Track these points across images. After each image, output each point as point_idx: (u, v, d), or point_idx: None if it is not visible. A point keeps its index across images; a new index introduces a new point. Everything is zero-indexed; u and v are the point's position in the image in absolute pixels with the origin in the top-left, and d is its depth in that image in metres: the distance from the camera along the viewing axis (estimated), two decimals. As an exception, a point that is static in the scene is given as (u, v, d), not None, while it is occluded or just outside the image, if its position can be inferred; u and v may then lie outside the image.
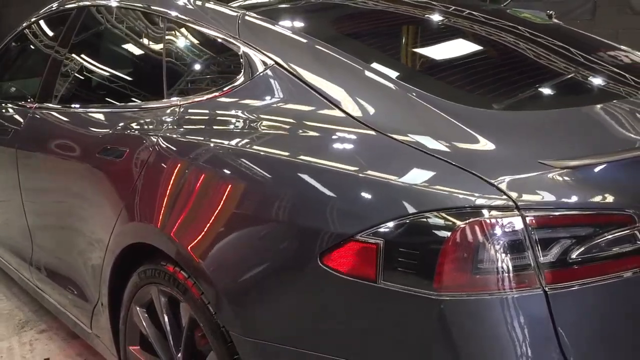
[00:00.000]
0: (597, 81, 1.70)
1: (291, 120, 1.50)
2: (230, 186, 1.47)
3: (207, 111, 1.73)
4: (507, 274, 1.11)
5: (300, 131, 1.46)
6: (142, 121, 1.92)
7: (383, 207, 1.19)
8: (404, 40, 1.89)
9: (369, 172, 1.25)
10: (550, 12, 2.43)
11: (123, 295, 1.89)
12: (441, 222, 1.13)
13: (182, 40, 2.02)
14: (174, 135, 1.70)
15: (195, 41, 1.97)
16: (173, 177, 1.63)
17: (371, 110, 1.42)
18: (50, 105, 2.43)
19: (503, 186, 1.14)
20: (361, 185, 1.25)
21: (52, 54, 2.51)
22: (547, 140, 1.33)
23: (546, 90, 1.62)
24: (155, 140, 1.73)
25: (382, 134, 1.32)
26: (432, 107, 1.37)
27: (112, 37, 2.40)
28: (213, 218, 1.47)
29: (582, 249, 1.12)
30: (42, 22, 2.81)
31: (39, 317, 3.05)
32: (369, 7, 2.12)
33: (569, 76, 1.68)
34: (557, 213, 1.14)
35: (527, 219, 1.11)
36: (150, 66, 2.11)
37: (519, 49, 1.82)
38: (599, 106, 1.49)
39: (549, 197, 1.15)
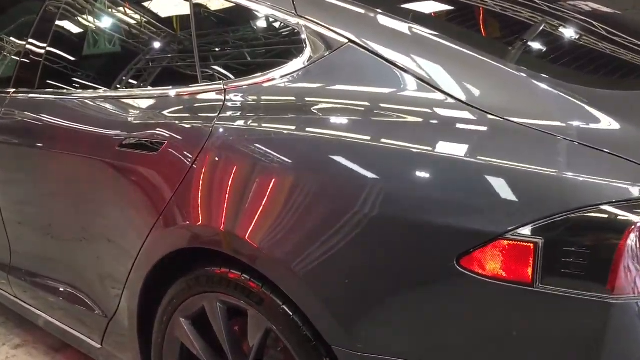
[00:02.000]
0: None
1: (387, 106, 1.34)
2: (325, 182, 1.29)
3: (268, 97, 1.53)
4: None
5: (404, 118, 1.30)
6: (176, 108, 1.69)
7: (540, 202, 1.06)
8: (499, 20, 1.75)
9: (512, 163, 1.11)
10: None
11: (157, 305, 1.68)
12: (614, 216, 1.01)
13: (218, 15, 1.80)
14: (236, 124, 1.49)
15: (236, 16, 1.75)
16: (242, 173, 1.43)
17: (482, 93, 1.28)
18: (41, 90, 2.12)
19: None
20: (507, 178, 1.10)
21: (51, 26, 2.17)
22: None
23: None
24: (207, 130, 1.51)
25: (507, 120, 1.18)
26: (554, 89, 1.25)
27: (131, 6, 2.10)
28: (307, 219, 1.29)
29: None
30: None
31: (9, 331, 2.73)
32: None
33: None
34: None
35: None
36: (178, 44, 1.87)
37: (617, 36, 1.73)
38: None
39: None
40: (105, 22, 2.14)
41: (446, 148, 1.20)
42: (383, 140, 1.27)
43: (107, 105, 1.88)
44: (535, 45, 1.56)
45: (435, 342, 1.17)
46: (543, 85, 1.26)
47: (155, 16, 1.99)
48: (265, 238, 1.34)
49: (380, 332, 1.21)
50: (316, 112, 1.41)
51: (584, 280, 1.03)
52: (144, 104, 1.78)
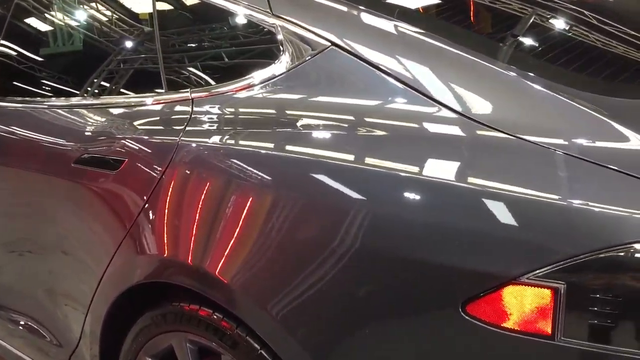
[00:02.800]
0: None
1: (375, 121, 1.16)
2: (307, 210, 1.11)
3: (240, 108, 1.35)
4: None
5: (396, 134, 1.12)
6: (139, 120, 1.50)
7: (562, 239, 0.89)
8: (497, 17, 1.57)
9: (528, 191, 0.94)
10: None
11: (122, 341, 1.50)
12: (650, 257, 0.85)
13: (184, 15, 1.61)
14: (204, 140, 1.30)
15: (204, 16, 1.56)
16: (210, 198, 1.24)
17: (484, 105, 1.11)
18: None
19: None
20: (522, 210, 0.93)
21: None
22: None
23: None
24: (172, 146, 1.33)
25: (519, 138, 1.01)
26: (564, 98, 1.08)
27: (89, 5, 1.88)
28: (286, 252, 1.11)
29: None
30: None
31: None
32: None
33: None
34: None
35: None
36: (140, 47, 1.67)
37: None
38: None
39: None
40: (61, 23, 1.93)
41: (447, 171, 1.02)
42: (372, 160, 1.08)
43: (62, 116, 1.67)
44: (539, 46, 1.38)
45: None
46: (557, 96, 1.09)
47: (115, 16, 1.79)
48: (238, 274, 1.16)
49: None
50: (295, 126, 1.23)
51: (614, 332, 0.86)
52: (102, 114, 1.58)
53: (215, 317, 1.25)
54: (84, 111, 1.63)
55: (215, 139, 1.31)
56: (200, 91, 1.42)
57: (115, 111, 1.57)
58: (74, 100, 1.68)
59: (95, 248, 1.50)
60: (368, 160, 1.09)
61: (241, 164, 1.23)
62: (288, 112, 1.29)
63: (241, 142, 1.29)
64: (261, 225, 1.15)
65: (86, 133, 1.58)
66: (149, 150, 1.39)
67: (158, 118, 1.47)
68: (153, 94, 1.51)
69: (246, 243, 1.17)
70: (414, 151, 1.08)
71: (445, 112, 1.09)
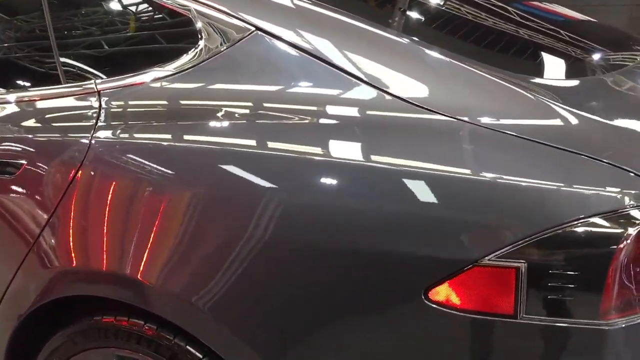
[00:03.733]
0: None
1: (312, 109, 1.10)
2: (229, 204, 1.04)
3: (155, 100, 1.24)
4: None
5: (337, 120, 1.08)
6: (35, 117, 1.33)
7: (519, 219, 0.90)
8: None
9: (482, 174, 0.94)
10: None
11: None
12: (605, 229, 0.87)
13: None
14: (117, 135, 1.18)
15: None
16: (128, 197, 1.14)
17: (427, 90, 1.09)
18: None
19: None
20: (477, 192, 0.93)
21: None
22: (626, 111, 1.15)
23: (567, 60, 1.42)
24: (83, 145, 1.19)
25: (467, 122, 1.00)
26: (500, 80, 1.09)
27: None
28: (223, 249, 1.03)
29: None
30: None
31: None
32: None
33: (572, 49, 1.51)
34: None
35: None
36: (30, 37, 1.49)
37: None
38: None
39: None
40: None
41: (400, 157, 0.99)
42: (315, 149, 1.03)
43: None
44: (476, 32, 1.40)
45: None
46: (499, 80, 1.09)
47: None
48: (164, 274, 1.08)
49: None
50: (220, 116, 1.14)
51: (574, 306, 0.89)
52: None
53: (147, 327, 1.15)
54: None
55: (131, 134, 1.19)
56: (106, 82, 1.29)
57: (5, 108, 1.40)
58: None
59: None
60: (310, 149, 1.04)
61: (161, 160, 1.13)
62: (208, 102, 1.20)
63: (153, 136, 1.18)
64: (186, 223, 1.07)
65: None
66: (54, 150, 1.25)
67: (59, 114, 1.32)
68: (49, 87, 1.35)
69: (169, 242, 1.08)
70: (358, 137, 1.04)
71: (388, 98, 1.07)
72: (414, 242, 0.93)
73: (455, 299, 0.92)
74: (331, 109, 1.10)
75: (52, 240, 1.22)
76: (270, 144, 1.08)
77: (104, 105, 1.25)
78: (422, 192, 0.95)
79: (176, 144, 1.14)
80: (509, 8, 1.61)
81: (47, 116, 1.33)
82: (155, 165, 1.13)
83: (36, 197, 1.25)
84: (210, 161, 1.10)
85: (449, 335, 0.94)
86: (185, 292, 1.08)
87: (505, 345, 0.92)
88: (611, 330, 0.88)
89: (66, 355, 1.28)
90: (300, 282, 1.01)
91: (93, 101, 1.27)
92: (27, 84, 1.44)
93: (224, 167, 1.08)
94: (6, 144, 1.32)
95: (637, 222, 0.88)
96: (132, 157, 1.16)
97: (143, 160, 1.14)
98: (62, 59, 1.36)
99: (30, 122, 1.34)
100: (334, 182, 1.00)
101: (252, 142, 1.09)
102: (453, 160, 0.97)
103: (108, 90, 1.27)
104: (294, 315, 1.02)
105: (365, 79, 1.09)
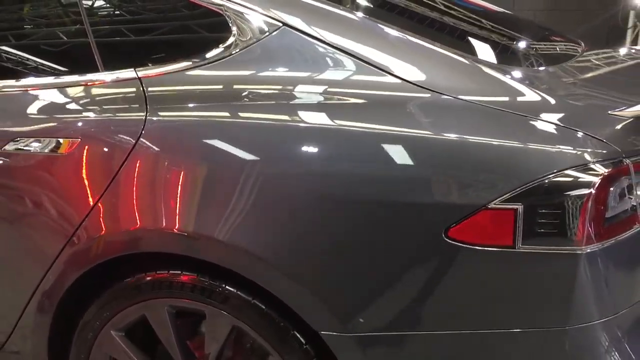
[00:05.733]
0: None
1: (345, 90, 1.34)
2: (294, 169, 1.27)
3: (196, 86, 1.44)
4: (626, 216, 1.22)
5: (363, 101, 1.32)
6: (82, 100, 1.50)
7: (515, 172, 1.18)
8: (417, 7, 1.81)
9: (484, 139, 1.21)
10: None
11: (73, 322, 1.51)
12: (576, 178, 1.17)
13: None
14: (170, 115, 1.38)
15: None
16: (190, 167, 1.34)
17: (427, 75, 1.36)
18: None
19: (606, 139, 1.23)
20: (483, 154, 1.20)
21: None
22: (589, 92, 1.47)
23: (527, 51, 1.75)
24: (138, 124, 1.37)
25: (462, 99, 1.28)
26: (483, 66, 1.39)
27: None
28: (278, 206, 1.26)
29: None
30: None
31: None
32: None
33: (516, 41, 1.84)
34: None
35: (631, 166, 1.23)
36: (71, 27, 1.63)
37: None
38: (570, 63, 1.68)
39: (638, 143, 1.28)
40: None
41: (419, 129, 1.26)
42: (351, 123, 1.29)
43: None
44: (461, 31, 1.69)
45: (427, 310, 1.24)
46: (481, 67, 1.39)
47: None
48: (233, 231, 1.29)
49: (371, 309, 1.25)
50: (261, 98, 1.37)
51: (557, 237, 1.18)
52: (29, 97, 1.55)
53: (201, 278, 1.36)
54: (15, 94, 1.58)
55: (180, 113, 1.40)
56: (146, 70, 1.48)
57: (46, 94, 1.55)
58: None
59: (43, 235, 1.49)
60: (345, 123, 1.29)
61: (215, 133, 1.34)
62: (249, 86, 1.42)
63: (206, 115, 1.39)
64: (250, 186, 1.28)
65: (18, 117, 1.54)
66: (109, 129, 1.42)
67: (106, 97, 1.49)
68: (89, 73, 1.52)
69: (237, 204, 1.28)
70: (382, 115, 1.29)
71: (399, 82, 1.33)
72: (438, 193, 1.20)
73: (468, 236, 1.19)
74: (354, 91, 1.34)
75: (116, 206, 1.39)
76: (310, 119, 1.32)
77: (147, 90, 1.44)
78: (443, 157, 1.22)
79: (229, 120, 1.36)
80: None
81: (95, 99, 1.50)
82: (207, 137, 1.34)
83: (91, 170, 1.42)
84: (264, 134, 1.32)
85: (464, 264, 1.21)
86: (254, 246, 1.28)
87: (507, 269, 1.21)
88: (584, 254, 1.18)
89: (117, 308, 1.45)
90: (350, 232, 1.24)
91: (136, 86, 1.45)
92: (65, 71, 1.59)
93: (270, 137, 1.31)
94: (51, 124, 1.49)
95: (599, 173, 1.18)
96: (187, 132, 1.37)
97: (198, 133, 1.35)
98: (100, 49, 1.53)
99: (74, 105, 1.51)
100: (370, 150, 1.25)
101: (294, 117, 1.33)
102: (458, 130, 1.24)
103: (149, 77, 1.46)
104: (345, 260, 1.25)
105: (375, 64, 1.35)
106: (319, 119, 1.32)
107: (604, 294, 1.21)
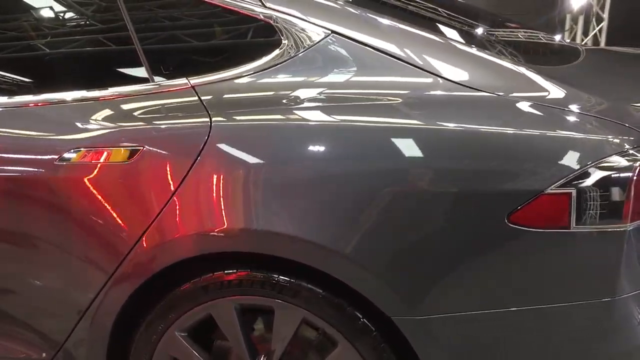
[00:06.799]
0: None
1: (390, 92, 1.44)
2: (365, 166, 1.36)
3: (252, 93, 1.50)
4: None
5: (415, 101, 1.43)
6: (142, 110, 1.54)
7: (567, 161, 1.31)
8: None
9: (540, 131, 1.34)
10: None
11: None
12: (620, 162, 1.31)
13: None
14: (235, 120, 1.44)
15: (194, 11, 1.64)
16: (260, 168, 1.40)
17: (471, 76, 1.47)
18: None
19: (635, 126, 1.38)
20: (535, 146, 1.33)
21: None
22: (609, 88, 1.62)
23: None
24: (204, 129, 1.43)
25: (499, 95, 1.40)
26: (522, 68, 1.52)
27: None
28: (348, 200, 1.35)
29: None
30: None
31: None
32: None
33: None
34: None
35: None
36: (116, 35, 1.66)
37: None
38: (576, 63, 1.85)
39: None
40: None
41: (481, 126, 1.37)
42: (417, 122, 1.39)
43: (41, 113, 1.62)
44: (492, 36, 1.82)
45: (492, 289, 1.35)
46: (521, 68, 1.52)
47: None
48: (311, 226, 1.36)
49: (441, 293, 1.35)
50: (326, 101, 1.46)
51: (605, 216, 1.32)
52: (86, 109, 1.58)
53: (271, 276, 1.43)
54: (71, 105, 1.60)
55: (242, 117, 1.46)
56: (198, 78, 1.53)
57: (99, 105, 1.58)
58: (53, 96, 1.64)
59: (110, 239, 1.51)
60: (416, 122, 1.39)
61: (278, 135, 1.42)
62: (304, 89, 1.50)
63: (272, 118, 1.46)
64: (317, 184, 1.37)
65: (74, 128, 1.56)
66: (174, 136, 1.47)
67: (163, 106, 1.54)
68: (139, 84, 1.56)
69: (312, 201, 1.37)
70: (440, 114, 1.40)
71: (437, 80, 1.44)
72: (500, 181, 1.32)
73: (528, 220, 1.31)
74: (404, 92, 1.44)
75: (185, 209, 1.45)
76: (366, 120, 1.41)
77: (203, 97, 1.50)
78: (505, 150, 1.34)
79: (292, 122, 1.44)
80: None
81: (151, 108, 1.54)
82: (273, 139, 1.41)
83: (158, 175, 1.47)
84: (350, 135, 1.40)
85: (525, 246, 1.32)
86: (330, 240, 1.36)
87: (563, 248, 1.33)
88: (629, 230, 1.32)
89: (183, 310, 1.50)
90: (420, 222, 1.34)
91: (191, 94, 1.51)
92: (118, 82, 1.62)
93: (354, 141, 1.40)
94: (114, 133, 1.53)
95: (639, 158, 1.33)
96: (251, 135, 1.44)
97: (262, 136, 1.43)
98: (146, 59, 1.58)
99: (134, 114, 1.55)
100: (444, 147, 1.36)
101: (371, 118, 1.42)
102: (516, 125, 1.36)
103: (202, 85, 1.52)
104: (414, 248, 1.35)
105: (421, 66, 1.45)
106: (394, 119, 1.41)
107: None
